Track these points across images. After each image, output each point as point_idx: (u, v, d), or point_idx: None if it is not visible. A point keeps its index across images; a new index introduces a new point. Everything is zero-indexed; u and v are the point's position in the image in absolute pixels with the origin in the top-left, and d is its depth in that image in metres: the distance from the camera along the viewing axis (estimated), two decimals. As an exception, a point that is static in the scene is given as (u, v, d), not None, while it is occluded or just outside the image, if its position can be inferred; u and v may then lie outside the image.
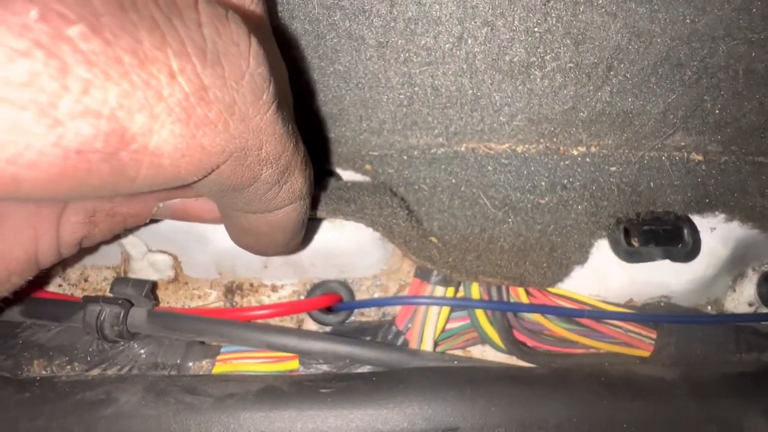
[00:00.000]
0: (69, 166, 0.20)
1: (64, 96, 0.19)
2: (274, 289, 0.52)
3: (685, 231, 0.48)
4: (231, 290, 0.52)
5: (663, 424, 0.42)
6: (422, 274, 0.48)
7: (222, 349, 0.47)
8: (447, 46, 0.41)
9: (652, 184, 0.48)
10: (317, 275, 0.51)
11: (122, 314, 0.44)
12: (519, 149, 0.47)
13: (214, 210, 0.38)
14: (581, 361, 0.49)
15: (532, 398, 0.42)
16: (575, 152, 0.47)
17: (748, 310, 0.55)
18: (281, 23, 0.40)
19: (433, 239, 0.47)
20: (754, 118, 0.46)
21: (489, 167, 0.47)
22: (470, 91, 0.43)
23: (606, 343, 0.49)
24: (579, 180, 0.47)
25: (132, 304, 0.46)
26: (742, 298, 0.55)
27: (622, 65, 0.43)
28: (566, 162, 0.47)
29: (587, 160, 0.47)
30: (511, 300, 0.48)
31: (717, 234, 0.50)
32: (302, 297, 0.52)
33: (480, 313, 0.48)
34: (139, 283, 0.46)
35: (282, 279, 0.52)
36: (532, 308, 0.49)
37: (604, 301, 0.49)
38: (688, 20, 0.41)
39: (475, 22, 0.40)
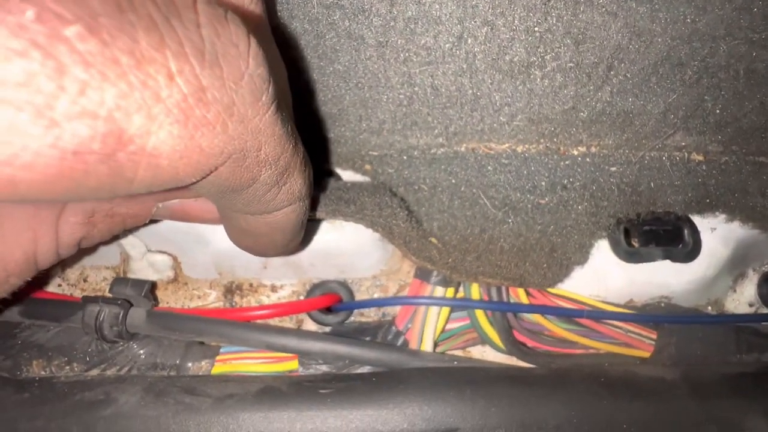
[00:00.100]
0: (66, 167, 0.20)
1: (60, 97, 0.19)
2: (273, 289, 0.52)
3: (686, 231, 0.48)
4: (230, 290, 0.52)
5: (663, 425, 0.42)
6: (422, 275, 0.48)
7: (221, 350, 0.47)
8: (447, 45, 0.41)
9: (652, 185, 0.48)
10: (317, 275, 0.51)
11: (121, 314, 0.44)
12: (519, 149, 0.47)
13: (214, 210, 0.37)
14: (581, 362, 0.49)
15: (532, 399, 0.41)
16: (575, 152, 0.47)
17: (749, 310, 0.55)
18: (280, 23, 0.40)
19: (433, 240, 0.46)
20: (755, 117, 0.46)
21: (489, 167, 0.47)
22: (470, 91, 0.43)
23: (606, 344, 0.49)
24: (579, 180, 0.47)
25: (131, 305, 0.46)
26: (742, 299, 0.55)
27: (622, 65, 0.42)
28: (566, 162, 0.47)
29: (587, 160, 0.47)
30: (511, 300, 0.48)
31: (717, 234, 0.49)
32: (302, 297, 0.52)
33: (480, 314, 0.47)
34: (139, 283, 0.46)
35: (281, 279, 0.52)
36: (532, 309, 0.49)
37: (604, 302, 0.49)
38: (688, 20, 0.41)
39: (475, 22, 0.40)
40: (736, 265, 0.53)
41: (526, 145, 0.46)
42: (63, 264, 0.52)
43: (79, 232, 0.38)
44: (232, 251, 0.41)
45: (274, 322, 0.51)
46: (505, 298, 0.48)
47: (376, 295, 0.52)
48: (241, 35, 0.24)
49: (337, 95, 0.44)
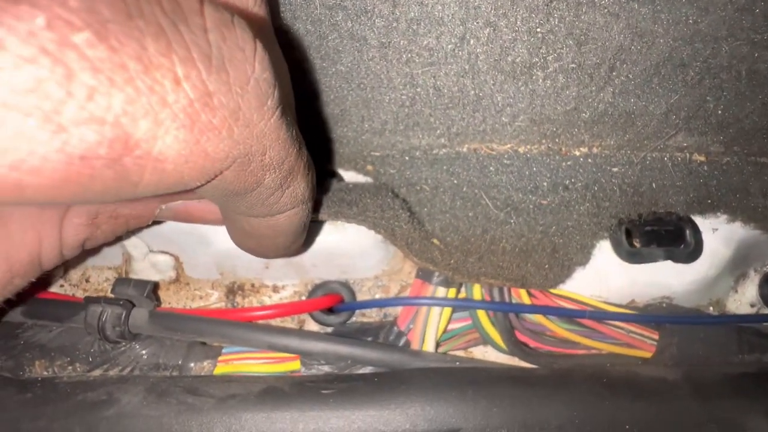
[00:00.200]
0: (72, 172, 0.20)
1: (68, 102, 0.19)
2: (275, 289, 0.52)
3: (687, 232, 0.48)
4: (232, 291, 0.52)
5: (665, 425, 0.42)
6: (424, 275, 0.48)
7: (223, 350, 0.47)
8: (449, 46, 0.41)
9: (654, 185, 0.48)
10: (318, 276, 0.51)
11: (124, 315, 0.44)
12: (521, 150, 0.47)
13: (216, 211, 0.38)
14: (583, 362, 0.49)
15: (534, 399, 0.42)
16: (577, 153, 0.47)
17: (750, 310, 0.55)
18: (283, 24, 0.40)
19: (435, 241, 0.46)
20: (757, 118, 0.46)
21: (491, 168, 0.47)
22: (472, 92, 0.43)
23: (608, 344, 0.49)
24: (581, 181, 0.47)
25: (133, 305, 0.46)
26: (744, 299, 0.55)
27: (624, 66, 0.42)
28: (568, 163, 0.47)
29: (589, 160, 0.47)
30: (513, 301, 0.48)
31: (719, 235, 0.50)
32: (303, 297, 0.52)
33: (482, 314, 0.48)
34: (141, 283, 0.46)
35: (283, 280, 0.52)
36: (534, 309, 0.49)
37: (605, 302, 0.49)
38: (690, 21, 0.41)
39: (478, 23, 0.40)
40: (738, 265, 0.53)
41: (528, 146, 0.47)
42: (66, 264, 0.52)
43: (83, 233, 0.38)
44: (234, 252, 0.41)
45: (276, 322, 0.51)
46: (506, 299, 0.48)
47: (377, 296, 0.52)
48: (247, 39, 0.24)
49: (339, 96, 0.44)
